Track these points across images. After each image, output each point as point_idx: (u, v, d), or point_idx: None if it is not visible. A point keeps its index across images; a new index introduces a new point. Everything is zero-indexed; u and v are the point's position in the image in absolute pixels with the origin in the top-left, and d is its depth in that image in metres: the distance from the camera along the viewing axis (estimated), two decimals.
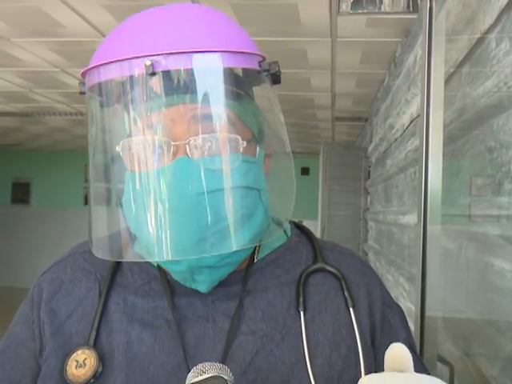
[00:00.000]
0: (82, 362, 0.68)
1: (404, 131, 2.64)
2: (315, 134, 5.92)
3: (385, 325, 0.75)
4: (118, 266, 0.76)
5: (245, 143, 0.67)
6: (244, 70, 0.67)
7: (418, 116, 1.80)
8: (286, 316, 0.71)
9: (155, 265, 0.75)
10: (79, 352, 0.68)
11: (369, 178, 4.81)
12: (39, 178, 8.99)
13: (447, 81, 1.49)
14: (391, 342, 0.52)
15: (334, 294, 0.74)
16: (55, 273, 0.78)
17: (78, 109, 5.04)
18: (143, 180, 0.64)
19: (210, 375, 0.59)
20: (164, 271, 0.74)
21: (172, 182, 0.63)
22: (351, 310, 0.72)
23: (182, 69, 0.63)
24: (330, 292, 0.74)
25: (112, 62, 0.63)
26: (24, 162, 8.96)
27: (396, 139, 2.92)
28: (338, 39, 2.80)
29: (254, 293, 0.72)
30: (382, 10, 2.34)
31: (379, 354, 0.72)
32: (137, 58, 0.61)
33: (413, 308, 1.99)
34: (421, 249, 1.38)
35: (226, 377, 0.59)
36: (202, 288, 0.69)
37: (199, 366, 0.60)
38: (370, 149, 4.49)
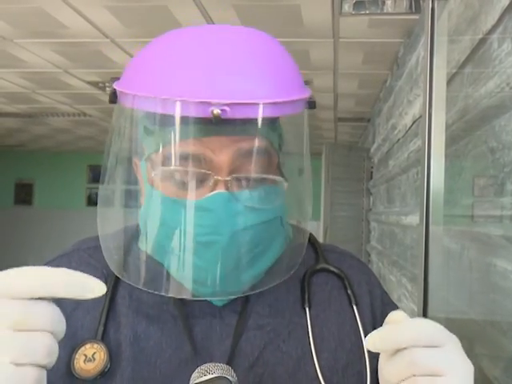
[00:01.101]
0: (90, 357, 0.67)
1: (406, 132, 2.64)
2: (318, 134, 5.92)
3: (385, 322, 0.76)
4: None
5: (286, 185, 0.68)
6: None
7: (421, 117, 1.80)
8: (292, 312, 0.72)
9: (161, 262, 0.75)
10: (87, 346, 0.67)
11: (371, 178, 4.81)
12: (42, 178, 9.01)
13: (449, 81, 1.49)
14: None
15: (337, 293, 0.75)
16: (59, 265, 0.77)
17: (81, 109, 5.06)
18: (186, 210, 0.63)
19: (215, 376, 0.59)
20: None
21: (212, 217, 0.63)
22: (355, 307, 0.74)
23: (247, 118, 0.61)
24: (333, 291, 0.76)
25: (176, 99, 0.59)
26: (27, 163, 8.98)
27: (398, 140, 2.92)
28: (340, 40, 2.80)
29: None
30: (385, 10, 2.34)
31: None
32: (206, 103, 0.59)
33: (415, 309, 1.99)
34: (423, 249, 1.38)
35: (230, 377, 0.59)
36: (218, 303, 0.71)
37: (203, 367, 0.60)
38: (372, 149, 4.49)
